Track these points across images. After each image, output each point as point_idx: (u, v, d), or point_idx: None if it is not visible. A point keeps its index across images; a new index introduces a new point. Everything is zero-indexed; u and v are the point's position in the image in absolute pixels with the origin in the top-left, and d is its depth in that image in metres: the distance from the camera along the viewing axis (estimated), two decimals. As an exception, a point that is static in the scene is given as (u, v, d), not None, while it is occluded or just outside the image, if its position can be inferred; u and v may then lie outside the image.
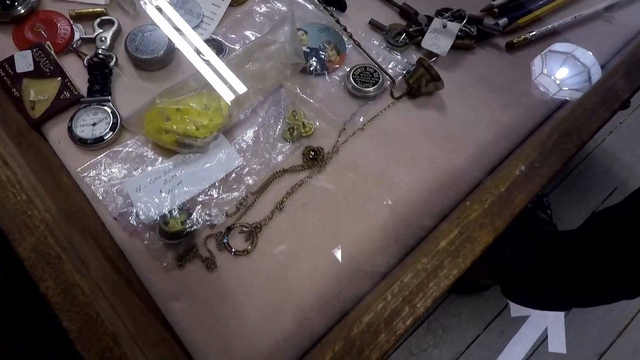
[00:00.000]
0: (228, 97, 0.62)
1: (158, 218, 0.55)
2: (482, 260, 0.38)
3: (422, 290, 0.38)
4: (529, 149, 0.44)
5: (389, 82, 0.68)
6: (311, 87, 0.67)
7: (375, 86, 0.66)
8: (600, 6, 0.72)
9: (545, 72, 0.69)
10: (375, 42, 0.72)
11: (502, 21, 0.71)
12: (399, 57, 0.70)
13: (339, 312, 0.52)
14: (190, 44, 0.69)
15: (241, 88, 0.63)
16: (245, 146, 0.62)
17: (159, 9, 0.71)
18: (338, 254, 0.56)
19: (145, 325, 0.43)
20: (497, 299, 1.31)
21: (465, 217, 0.41)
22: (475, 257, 0.39)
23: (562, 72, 0.70)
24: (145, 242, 0.55)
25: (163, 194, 0.58)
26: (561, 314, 1.36)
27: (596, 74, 0.68)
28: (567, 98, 0.62)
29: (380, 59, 0.70)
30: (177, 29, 0.70)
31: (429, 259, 0.39)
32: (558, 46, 0.71)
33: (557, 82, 0.68)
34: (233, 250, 0.55)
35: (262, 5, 0.74)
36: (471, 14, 0.70)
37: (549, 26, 0.70)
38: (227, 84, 0.63)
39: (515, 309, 1.36)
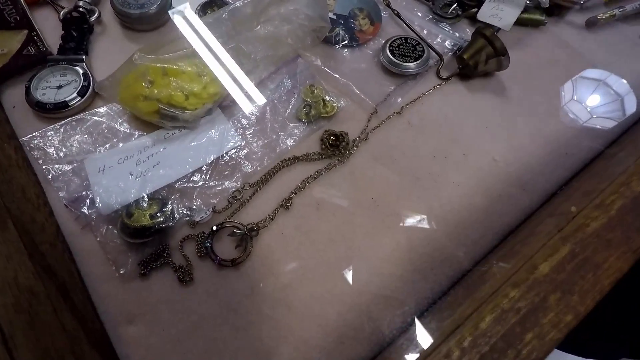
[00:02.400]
0: (227, 68, 0.48)
1: (119, 208, 0.41)
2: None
3: (512, 345, 0.22)
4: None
5: (433, 61, 0.53)
6: (336, 60, 0.53)
7: (418, 61, 0.51)
8: None
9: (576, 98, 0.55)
10: (418, 12, 0.58)
11: (580, -5, 0.57)
12: (448, 30, 0.56)
13: None
14: (193, 4, 0.56)
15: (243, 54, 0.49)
16: (246, 124, 0.48)
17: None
18: (361, 275, 0.40)
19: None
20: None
21: (579, 230, 0.25)
22: (601, 294, 0.23)
23: (594, 99, 0.54)
24: (99, 239, 0.40)
25: (132, 177, 0.43)
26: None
27: (630, 102, 0.53)
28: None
29: (424, 33, 0.55)
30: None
31: (522, 291, 0.24)
32: (589, 72, 0.56)
33: (588, 109, 0.53)
34: (218, 258, 0.40)
35: (282, -34, 0.61)
36: (540, -16, 0.56)
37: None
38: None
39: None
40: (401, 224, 0.43)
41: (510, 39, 0.55)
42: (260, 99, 0.49)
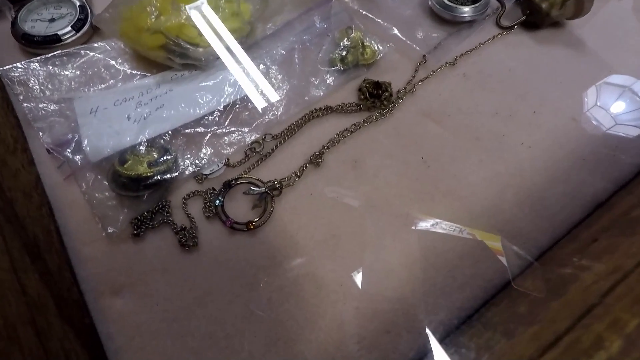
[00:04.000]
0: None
1: (111, 154, 0.33)
2: None
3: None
4: None
5: (492, 9, 0.45)
6: (377, 4, 0.45)
7: (476, 5, 0.43)
8: None
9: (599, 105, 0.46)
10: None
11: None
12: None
13: None
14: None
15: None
16: (273, 69, 0.40)
17: None
18: (411, 248, 0.32)
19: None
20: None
21: None
22: None
23: (619, 106, 0.45)
24: (84, 190, 0.32)
25: (129, 121, 0.35)
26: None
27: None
28: None
29: (480, -22, 0.47)
30: None
31: None
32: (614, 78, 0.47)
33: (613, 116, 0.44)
34: (230, 220, 0.32)
35: None
36: None
37: None
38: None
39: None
40: (459, 192, 0.34)
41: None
42: (288, 40, 0.41)
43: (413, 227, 0.32)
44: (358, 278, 0.30)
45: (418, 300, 0.29)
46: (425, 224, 0.32)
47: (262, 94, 0.37)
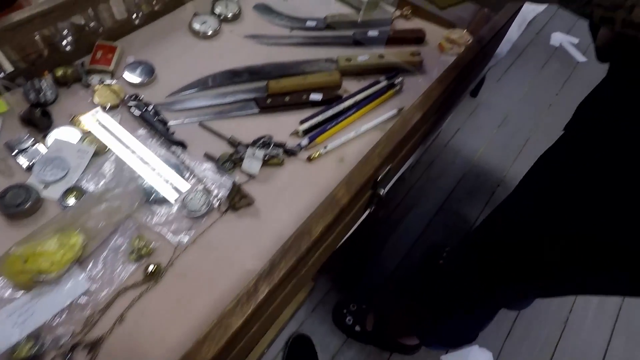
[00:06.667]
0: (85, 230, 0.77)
1: (7, 348, 0.66)
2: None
3: (185, 373, 0.52)
4: (277, 251, 0.62)
5: (217, 203, 0.87)
6: (153, 215, 0.84)
7: (205, 204, 0.84)
8: (373, 123, 0.99)
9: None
10: (208, 169, 0.92)
11: (304, 141, 0.95)
12: (225, 179, 0.90)
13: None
14: (57, 193, 0.86)
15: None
16: (95, 272, 0.76)
17: (30, 168, 0.89)
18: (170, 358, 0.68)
19: None
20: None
21: (224, 309, 0.57)
22: (227, 339, 0.54)
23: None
24: (-5, 373, 0.65)
25: (14, 327, 0.69)
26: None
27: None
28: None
29: (211, 182, 0.89)
30: (47, 182, 0.87)
31: (195, 344, 0.54)
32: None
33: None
34: (75, 365, 0.66)
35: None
36: (279, 139, 0.94)
37: (338, 141, 0.94)
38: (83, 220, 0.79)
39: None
40: (197, 315, 0.72)
41: (264, 176, 0.90)
42: (105, 250, 0.78)
43: (171, 350, 0.69)
44: (140, 375, 0.66)
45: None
46: (175, 347, 0.69)
47: (88, 292, 0.73)
